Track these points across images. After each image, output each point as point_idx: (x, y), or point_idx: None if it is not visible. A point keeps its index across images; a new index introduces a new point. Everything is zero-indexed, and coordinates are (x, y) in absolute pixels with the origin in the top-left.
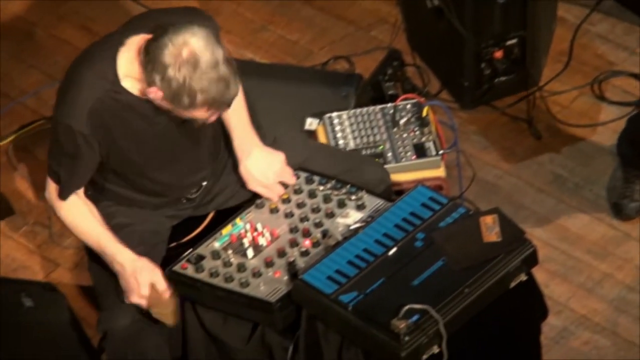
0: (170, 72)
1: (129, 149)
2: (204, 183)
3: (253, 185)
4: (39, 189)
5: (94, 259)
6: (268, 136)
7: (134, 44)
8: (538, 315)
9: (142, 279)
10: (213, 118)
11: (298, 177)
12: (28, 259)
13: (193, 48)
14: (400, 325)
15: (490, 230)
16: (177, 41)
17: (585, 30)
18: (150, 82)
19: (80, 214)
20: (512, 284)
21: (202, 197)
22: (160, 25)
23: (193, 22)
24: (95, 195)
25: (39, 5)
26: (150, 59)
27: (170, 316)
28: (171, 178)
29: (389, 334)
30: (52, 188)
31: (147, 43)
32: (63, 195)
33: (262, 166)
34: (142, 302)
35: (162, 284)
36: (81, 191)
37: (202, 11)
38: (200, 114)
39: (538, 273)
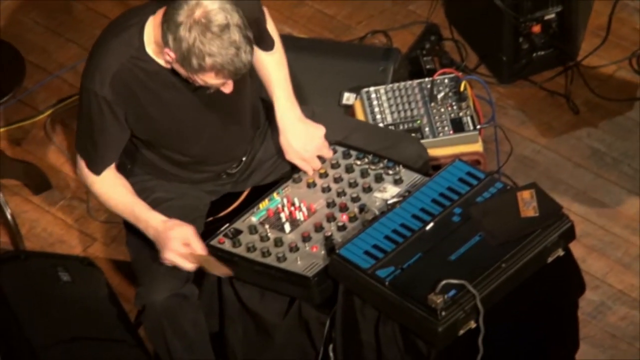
0: (182, 31)
1: (159, 118)
2: (244, 158)
3: (291, 157)
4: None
5: (132, 233)
6: (307, 111)
7: (162, 13)
8: (575, 290)
9: (174, 234)
10: (227, 88)
11: (335, 152)
12: (65, 234)
13: (206, 9)
14: (438, 300)
15: (528, 205)
16: (192, 2)
17: (623, 5)
18: (165, 43)
19: (113, 187)
20: (550, 259)
21: (241, 172)
22: None
23: None
24: (135, 169)
25: None
26: (166, 19)
27: (219, 267)
28: (208, 150)
29: (426, 309)
30: (83, 164)
31: (167, 6)
32: (96, 170)
33: (303, 139)
34: (178, 261)
35: (194, 241)
36: (113, 165)
37: None
38: (210, 79)
39: (575, 248)
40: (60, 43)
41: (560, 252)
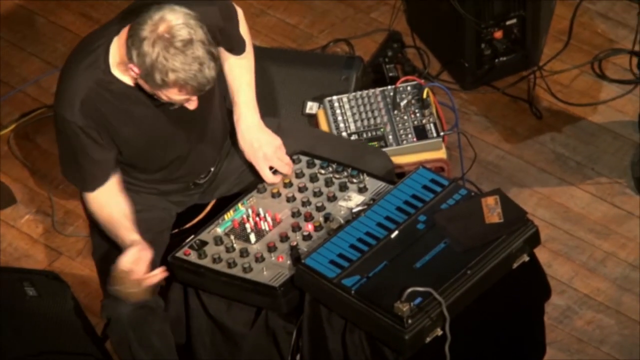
0: (145, 46)
1: (131, 136)
2: (212, 168)
3: (248, 158)
4: (41, 177)
5: (98, 245)
6: (273, 124)
7: (126, 31)
8: (541, 295)
9: (132, 250)
10: (192, 104)
11: (299, 161)
12: (31, 248)
13: (170, 24)
14: (404, 308)
15: (492, 211)
16: (156, 17)
17: (585, 9)
18: (130, 58)
19: (102, 206)
20: (515, 265)
21: (209, 182)
22: (147, 4)
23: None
24: None
25: None
26: (130, 34)
27: (137, 294)
28: (178, 163)
29: (392, 317)
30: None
31: (132, 22)
32: (87, 188)
33: (254, 145)
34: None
35: (141, 265)
36: (110, 182)
37: None
38: (174, 95)
39: (540, 253)
40: (23, 57)
41: (526, 258)
